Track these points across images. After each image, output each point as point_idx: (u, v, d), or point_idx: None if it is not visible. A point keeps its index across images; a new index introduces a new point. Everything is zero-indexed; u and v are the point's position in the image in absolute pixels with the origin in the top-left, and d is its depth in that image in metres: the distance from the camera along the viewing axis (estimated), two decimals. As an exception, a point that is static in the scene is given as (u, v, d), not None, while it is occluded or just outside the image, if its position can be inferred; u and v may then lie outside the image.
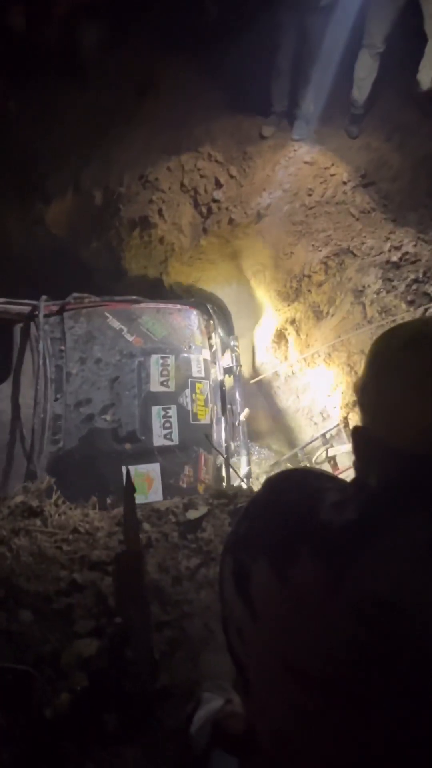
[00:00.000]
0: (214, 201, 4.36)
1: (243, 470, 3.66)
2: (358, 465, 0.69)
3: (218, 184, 4.36)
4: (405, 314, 3.64)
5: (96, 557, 1.88)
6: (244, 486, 3.58)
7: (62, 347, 3.26)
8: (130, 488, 1.54)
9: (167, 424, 3.10)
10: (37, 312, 3.27)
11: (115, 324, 3.37)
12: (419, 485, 0.59)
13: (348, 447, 4.71)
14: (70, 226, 4.76)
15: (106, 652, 1.59)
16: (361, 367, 3.23)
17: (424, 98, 4.17)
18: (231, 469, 3.24)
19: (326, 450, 4.94)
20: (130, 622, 1.52)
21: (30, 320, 3.30)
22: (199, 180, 4.34)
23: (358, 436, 0.69)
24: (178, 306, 3.64)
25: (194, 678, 1.57)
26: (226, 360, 3.93)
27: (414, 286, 3.66)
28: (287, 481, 0.73)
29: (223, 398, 3.38)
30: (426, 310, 3.50)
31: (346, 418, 4.34)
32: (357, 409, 0.73)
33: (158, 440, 3.04)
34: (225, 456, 3.01)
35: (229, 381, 3.90)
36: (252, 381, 4.60)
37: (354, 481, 0.68)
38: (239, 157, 4.39)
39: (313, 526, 0.61)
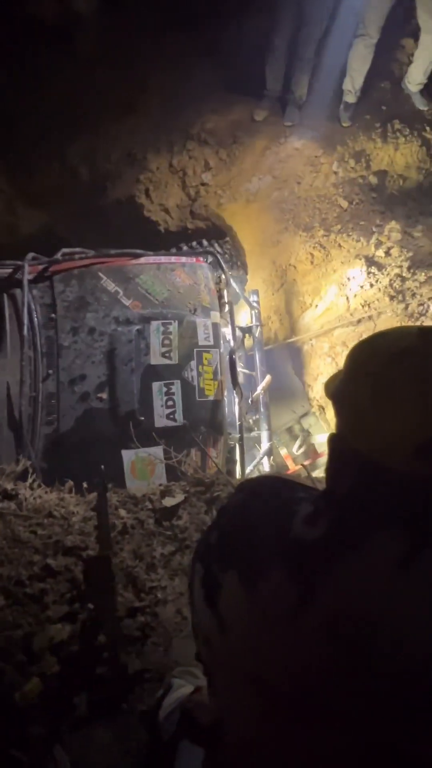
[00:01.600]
0: (203, 184, 4.29)
1: (264, 446, 3.42)
2: (331, 472, 0.69)
3: (207, 167, 4.28)
4: (387, 308, 3.67)
5: (70, 542, 1.87)
6: (265, 466, 3.34)
7: (53, 315, 2.89)
8: (103, 490, 1.52)
9: (170, 402, 2.80)
10: (21, 274, 2.87)
11: (110, 286, 2.96)
12: (390, 499, 0.60)
13: (326, 435, 4.75)
14: (53, 202, 4.62)
15: (78, 637, 1.60)
16: (341, 360, 3.22)
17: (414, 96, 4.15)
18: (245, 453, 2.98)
19: (304, 437, 5.00)
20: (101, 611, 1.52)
21: (14, 284, 2.91)
22: (187, 161, 4.26)
23: (333, 443, 0.69)
24: (183, 259, 3.16)
25: (166, 663, 1.59)
26: (244, 317, 3.51)
27: (397, 281, 3.69)
28: (259, 490, 0.72)
29: (234, 369, 2.90)
30: (407, 306, 3.54)
31: (321, 407, 4.39)
32: (331, 409, 0.72)
33: (160, 421, 2.76)
34: (205, 449, 2.80)
35: (247, 342, 3.54)
36: (288, 341, 4.25)
37: (326, 491, 0.68)
38: (230, 140, 4.32)
39: (285, 541, 0.61)
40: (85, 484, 2.40)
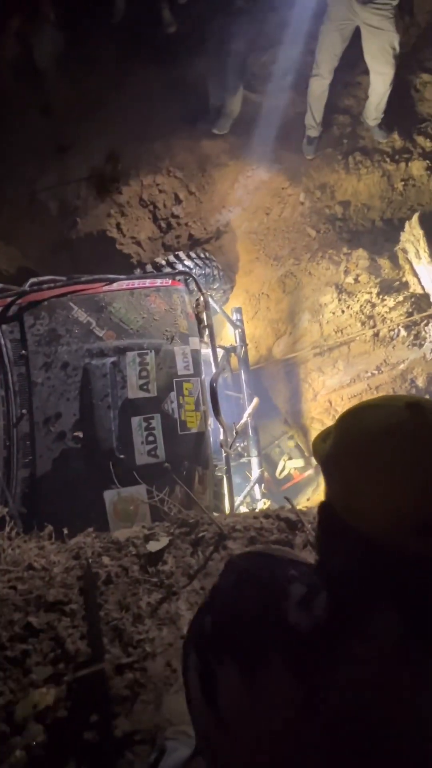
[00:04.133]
0: (174, 216, 4.35)
1: (255, 473, 3.32)
2: (322, 543, 0.68)
3: (177, 200, 4.35)
4: (359, 334, 3.76)
5: (53, 597, 1.80)
6: (257, 494, 3.25)
7: (23, 351, 2.79)
8: (91, 582, 1.44)
9: (150, 438, 2.70)
10: None
11: (82, 316, 2.84)
12: (383, 578, 0.59)
13: (302, 462, 4.78)
14: (23, 237, 4.60)
15: (64, 701, 1.53)
16: (317, 386, 3.24)
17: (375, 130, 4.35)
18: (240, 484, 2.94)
19: (284, 462, 5.01)
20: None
21: None
22: (158, 195, 4.32)
23: (324, 512, 0.68)
24: (158, 282, 3.02)
25: (157, 722, 1.53)
26: (229, 334, 3.41)
27: (367, 307, 3.78)
28: (250, 570, 0.71)
29: (215, 400, 2.72)
30: (378, 332, 3.63)
31: (298, 431, 4.42)
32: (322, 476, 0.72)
33: (141, 458, 2.67)
34: (189, 487, 2.69)
35: (233, 363, 3.44)
36: (285, 357, 4.13)
37: (318, 567, 0.67)
38: (198, 173, 4.40)
39: (281, 630, 0.60)
40: (65, 530, 2.33)
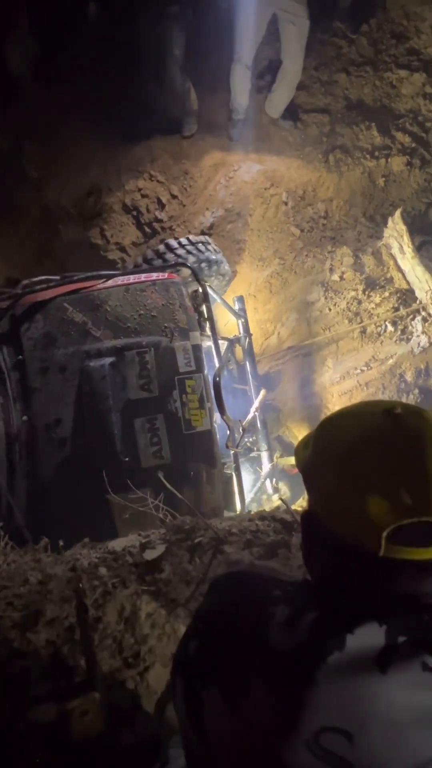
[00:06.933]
0: (157, 221, 4.34)
1: (265, 467, 3.24)
2: (306, 552, 0.69)
3: (160, 204, 4.34)
4: (346, 332, 3.78)
5: (51, 612, 1.79)
6: (268, 488, 3.12)
7: (20, 356, 2.72)
8: (82, 607, 1.43)
9: (155, 439, 2.63)
10: None
11: (77, 317, 2.75)
12: (364, 587, 0.59)
13: (293, 459, 4.79)
14: (5, 246, 4.56)
15: (66, 717, 1.52)
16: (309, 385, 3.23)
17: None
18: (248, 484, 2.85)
19: (276, 459, 5.01)
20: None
21: None
22: (140, 200, 4.30)
23: (306, 521, 0.69)
24: (153, 276, 2.91)
25: (161, 733, 1.53)
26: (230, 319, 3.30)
27: (353, 304, 3.81)
28: (233, 591, 0.70)
29: (219, 397, 2.61)
30: (365, 328, 3.65)
31: (290, 428, 4.43)
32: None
33: (146, 460, 2.59)
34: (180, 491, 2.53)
35: (237, 354, 3.34)
36: (305, 342, 3.86)
37: (303, 581, 0.67)
38: (180, 176, 4.40)
39: (263, 653, 0.60)
40: (60, 542, 2.30)
